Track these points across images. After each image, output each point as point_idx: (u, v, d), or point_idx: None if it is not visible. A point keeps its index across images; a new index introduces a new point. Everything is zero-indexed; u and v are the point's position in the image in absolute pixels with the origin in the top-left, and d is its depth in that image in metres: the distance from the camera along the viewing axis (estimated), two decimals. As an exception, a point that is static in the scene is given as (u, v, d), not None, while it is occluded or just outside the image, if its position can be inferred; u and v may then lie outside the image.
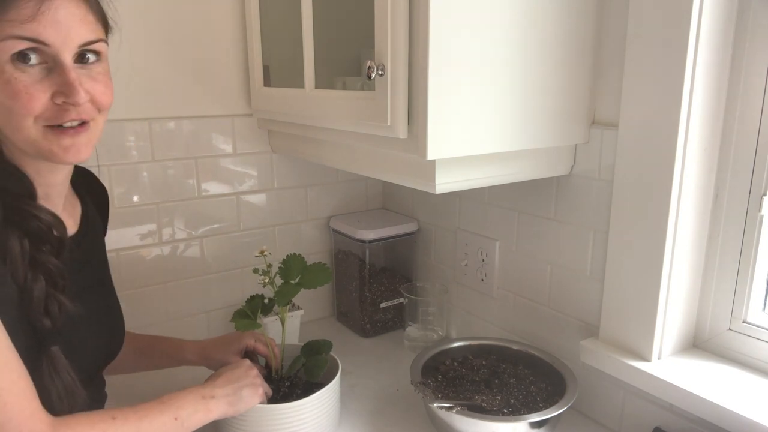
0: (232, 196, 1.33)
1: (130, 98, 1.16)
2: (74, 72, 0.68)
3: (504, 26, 0.84)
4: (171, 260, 1.28)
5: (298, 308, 1.34)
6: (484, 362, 1.11)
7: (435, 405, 0.93)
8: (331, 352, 1.05)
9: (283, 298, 0.98)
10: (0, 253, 0.67)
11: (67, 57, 0.68)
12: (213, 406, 0.84)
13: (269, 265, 1.00)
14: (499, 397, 1.00)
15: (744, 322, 0.92)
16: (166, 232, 1.26)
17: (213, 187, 1.30)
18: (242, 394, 0.88)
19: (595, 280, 1.01)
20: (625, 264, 0.94)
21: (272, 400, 0.95)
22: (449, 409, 0.91)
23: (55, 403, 0.70)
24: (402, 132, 0.84)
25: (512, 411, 0.97)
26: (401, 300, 1.40)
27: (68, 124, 0.70)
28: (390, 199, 1.54)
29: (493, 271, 1.22)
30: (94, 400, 0.87)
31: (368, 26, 0.84)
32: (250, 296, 1.02)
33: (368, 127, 0.91)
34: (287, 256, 1.01)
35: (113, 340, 0.90)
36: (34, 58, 0.66)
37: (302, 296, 1.05)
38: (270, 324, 1.24)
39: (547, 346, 1.11)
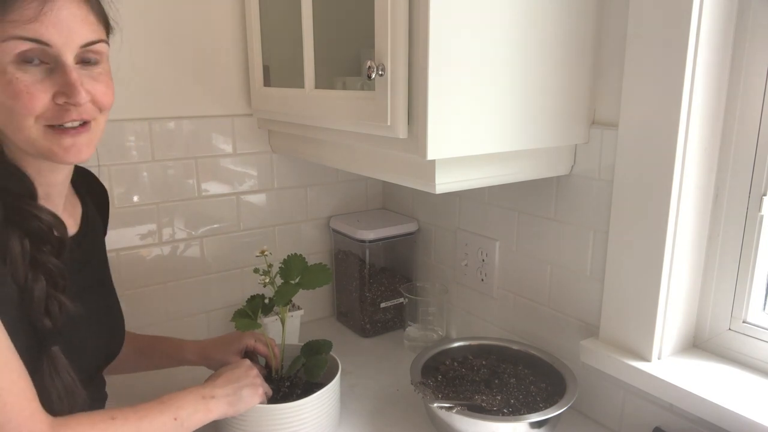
0: (232, 196, 1.33)
1: (130, 98, 1.16)
2: (75, 72, 0.68)
3: (504, 26, 0.84)
4: (171, 260, 1.28)
5: (298, 308, 1.34)
6: (484, 362, 1.11)
7: (435, 405, 0.93)
8: (331, 352, 1.05)
9: (283, 298, 0.98)
10: (0, 253, 0.67)
11: (69, 57, 0.68)
12: (213, 406, 0.84)
13: (270, 265, 1.00)
14: (499, 397, 1.00)
15: (744, 322, 0.92)
16: (166, 232, 1.26)
17: (213, 187, 1.30)
18: (242, 394, 0.88)
19: (595, 280, 1.01)
20: (625, 264, 0.94)
21: (272, 400, 0.95)
22: (449, 409, 0.91)
23: (55, 403, 0.70)
24: (402, 132, 0.84)
25: (512, 411, 0.97)
26: (401, 300, 1.40)
27: (69, 124, 0.70)
28: (390, 199, 1.54)
29: (493, 271, 1.22)
30: (95, 400, 0.87)
31: (368, 26, 0.84)
32: (251, 296, 1.02)
33: (368, 127, 0.91)
34: (288, 256, 1.01)
35: (113, 340, 0.90)
36: (35, 59, 0.66)
37: (302, 296, 1.05)
38: (270, 324, 1.24)
39: (547, 346, 1.11)
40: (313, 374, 1.01)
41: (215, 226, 1.32)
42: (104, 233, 0.95)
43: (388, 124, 0.85)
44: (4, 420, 0.63)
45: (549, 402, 0.97)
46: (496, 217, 1.20)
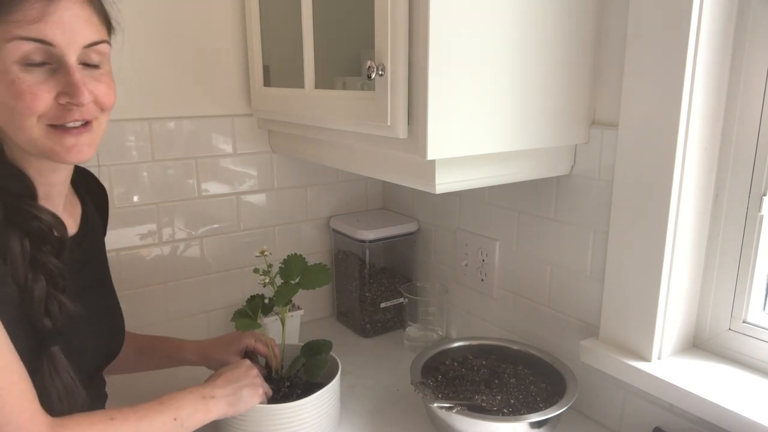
0: (232, 196, 1.33)
1: (130, 98, 1.16)
2: (79, 73, 0.68)
3: (504, 26, 0.84)
4: (171, 260, 1.28)
5: (298, 308, 1.34)
6: (484, 362, 1.11)
7: (435, 405, 0.93)
8: (331, 352, 1.05)
9: (283, 298, 0.98)
10: (1, 253, 0.67)
11: (72, 58, 0.68)
12: (213, 406, 0.84)
13: (270, 265, 1.00)
14: (499, 397, 1.00)
15: (744, 322, 0.92)
16: (166, 232, 1.26)
17: (213, 187, 1.30)
18: (242, 394, 0.88)
19: (595, 280, 1.01)
20: (625, 264, 0.94)
21: (272, 400, 0.95)
22: (449, 409, 0.91)
23: (54, 403, 0.70)
24: (402, 132, 0.84)
25: (512, 411, 0.97)
26: (401, 300, 1.40)
27: (71, 124, 0.70)
28: (390, 199, 1.54)
29: (493, 271, 1.22)
30: (95, 400, 0.87)
31: (368, 26, 0.84)
32: (251, 296, 1.02)
33: (368, 127, 0.91)
34: (288, 256, 1.01)
35: (113, 340, 0.90)
36: (39, 59, 0.66)
37: (302, 296, 1.05)
38: (270, 324, 1.24)
39: (547, 346, 1.11)
40: (313, 374, 1.01)
41: (215, 226, 1.32)
42: (104, 233, 0.95)
43: (388, 124, 0.85)
44: (4, 421, 0.63)
45: (549, 402, 0.97)
46: (496, 217, 1.20)
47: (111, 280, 0.93)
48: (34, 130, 0.68)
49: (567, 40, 0.91)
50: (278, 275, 1.00)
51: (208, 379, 0.91)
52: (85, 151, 0.72)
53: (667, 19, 0.83)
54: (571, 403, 0.93)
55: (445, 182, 0.88)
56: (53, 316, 0.71)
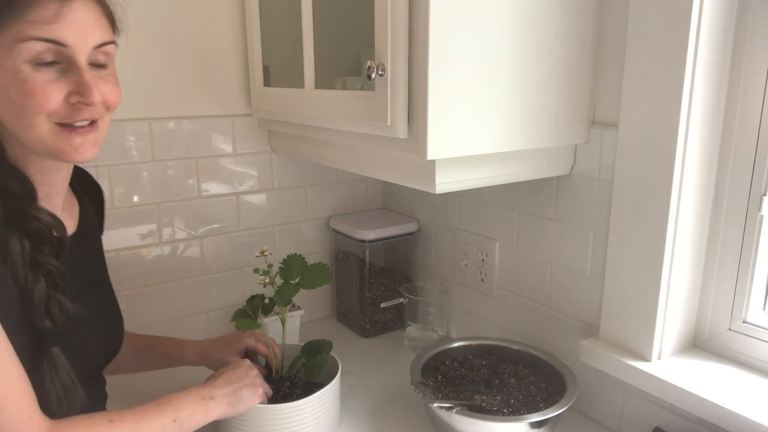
0: (232, 196, 1.33)
1: (130, 98, 1.15)
2: (89, 73, 0.69)
3: (504, 26, 0.84)
4: (171, 260, 1.28)
5: (299, 308, 1.34)
6: (484, 362, 1.11)
7: (435, 405, 0.93)
8: (331, 352, 1.05)
9: (284, 298, 0.98)
10: (1, 254, 0.67)
11: (82, 58, 0.69)
12: (212, 406, 0.84)
13: (270, 265, 1.00)
14: (499, 397, 1.00)
15: (744, 322, 0.92)
16: (166, 232, 1.26)
17: (213, 187, 1.30)
18: (242, 394, 0.88)
19: (595, 280, 1.01)
20: (625, 264, 0.94)
21: (272, 400, 0.95)
22: (449, 409, 0.91)
23: (53, 405, 0.70)
24: (402, 132, 0.84)
25: (512, 411, 0.97)
26: (401, 300, 1.40)
27: (79, 123, 0.71)
28: (390, 199, 1.54)
29: (493, 271, 1.22)
30: (95, 400, 0.87)
31: (368, 26, 0.84)
32: (251, 296, 1.02)
33: (368, 127, 0.91)
34: (288, 256, 1.01)
35: (113, 340, 0.90)
36: (50, 59, 0.67)
37: (302, 296, 1.05)
38: (270, 324, 1.24)
39: (547, 346, 1.11)
40: (313, 374, 1.01)
41: (215, 226, 1.32)
42: (101, 232, 0.95)
43: (388, 124, 0.85)
44: (3, 424, 0.63)
45: (549, 402, 0.97)
46: (496, 217, 1.20)
47: (109, 279, 0.93)
48: (42, 128, 0.69)
49: (567, 40, 0.91)
50: (278, 275, 1.00)
51: (208, 380, 0.91)
52: (90, 150, 0.72)
53: (667, 19, 0.83)
54: (571, 403, 0.93)
55: (445, 182, 0.88)
56: (53, 317, 0.71)
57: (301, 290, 0.99)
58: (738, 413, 0.80)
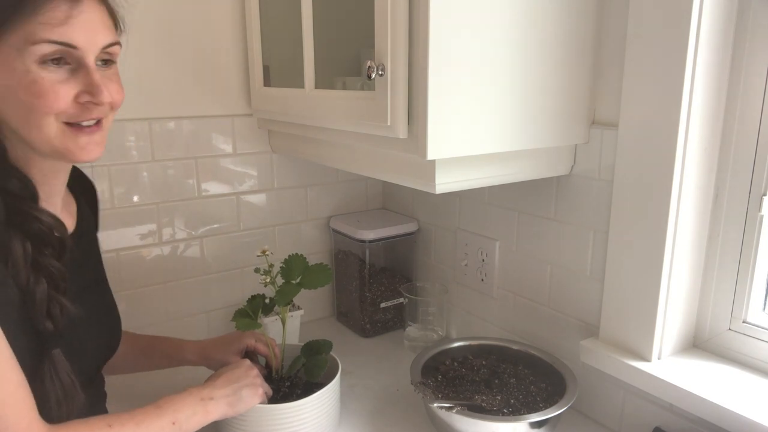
0: (232, 196, 1.33)
1: (130, 98, 1.14)
2: (98, 73, 0.70)
3: (504, 26, 0.84)
4: (171, 260, 1.28)
5: (299, 308, 1.34)
6: (484, 362, 1.11)
7: (435, 405, 0.93)
8: (331, 352, 1.05)
9: (285, 297, 0.98)
10: (2, 256, 0.67)
11: (91, 59, 0.69)
12: (212, 407, 0.84)
13: (271, 265, 1.00)
14: (499, 397, 1.00)
15: (744, 322, 0.92)
16: (166, 232, 1.26)
17: (213, 187, 1.30)
18: (242, 394, 0.87)
19: (595, 280, 1.01)
20: (625, 264, 0.94)
21: (272, 400, 0.95)
22: (449, 409, 0.91)
23: (53, 408, 0.70)
24: (402, 132, 0.84)
25: (512, 411, 0.97)
26: (401, 300, 1.40)
27: (86, 123, 0.71)
28: (390, 199, 1.54)
29: (493, 271, 1.22)
30: (94, 400, 0.87)
31: (368, 26, 0.84)
32: (251, 296, 1.02)
33: (368, 127, 0.91)
34: (289, 256, 1.01)
35: (112, 340, 0.90)
36: (61, 60, 0.68)
37: (302, 296, 1.05)
38: (270, 324, 1.24)
39: (547, 346, 1.11)
40: (313, 374, 1.01)
41: (215, 226, 1.32)
42: (97, 230, 0.95)
43: (388, 124, 0.85)
44: (1, 429, 0.63)
45: (549, 402, 0.97)
46: (496, 217, 1.20)
47: (106, 278, 0.93)
48: (51, 128, 0.69)
49: (567, 40, 0.91)
50: (279, 275, 1.00)
51: (208, 380, 0.91)
52: (95, 150, 0.73)
53: (667, 19, 0.83)
54: (571, 403, 0.93)
55: (445, 182, 0.88)
56: (55, 319, 0.71)
57: (302, 290, 0.99)
58: (738, 413, 0.80)
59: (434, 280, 1.39)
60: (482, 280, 1.25)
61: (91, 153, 0.73)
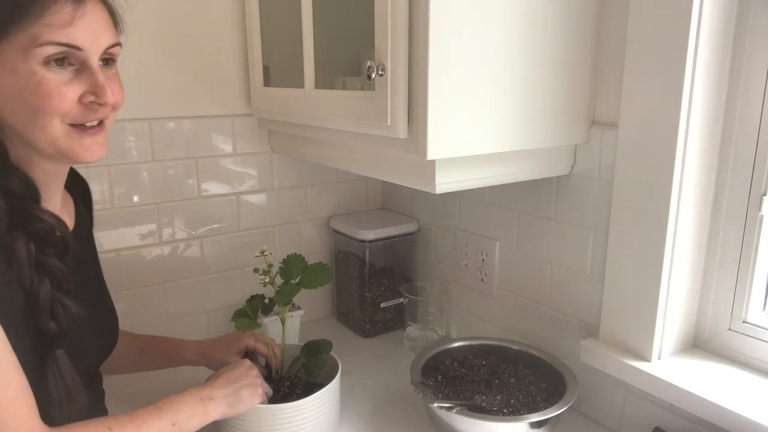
0: (232, 196, 1.33)
1: (130, 98, 1.14)
2: (102, 74, 0.70)
3: (504, 26, 0.84)
4: (171, 260, 1.28)
5: (298, 308, 1.34)
6: (484, 362, 1.11)
7: (435, 405, 0.93)
8: (331, 352, 1.05)
9: (284, 297, 0.98)
10: (6, 257, 0.67)
11: (95, 60, 0.70)
12: (212, 408, 0.84)
13: (270, 265, 1.00)
14: (499, 397, 1.00)
15: (744, 322, 0.92)
16: (166, 232, 1.26)
17: (213, 187, 1.30)
18: (242, 394, 0.87)
19: (595, 280, 1.01)
20: (625, 264, 0.94)
21: (272, 400, 0.95)
22: (449, 409, 0.91)
23: (56, 408, 0.70)
24: (402, 132, 0.84)
25: (512, 411, 0.97)
26: (401, 300, 1.40)
27: (89, 124, 0.71)
28: (390, 199, 1.54)
29: (493, 271, 1.22)
30: (95, 400, 0.87)
31: (368, 26, 0.84)
32: (251, 296, 1.02)
33: (368, 127, 0.91)
34: (288, 255, 1.01)
35: (111, 337, 0.90)
36: (66, 61, 0.68)
37: (302, 296, 1.05)
38: (270, 324, 1.24)
39: (547, 346, 1.11)
40: (313, 374, 1.01)
41: (215, 226, 1.32)
42: (91, 227, 0.95)
43: (388, 124, 0.85)
44: None
45: (549, 402, 0.97)
46: (496, 217, 1.20)
47: (103, 277, 0.93)
48: (56, 129, 0.69)
49: (567, 40, 0.91)
50: (278, 275, 1.00)
51: (208, 380, 0.91)
52: (98, 150, 0.73)
53: (667, 19, 0.83)
54: (571, 403, 0.93)
55: (445, 182, 0.88)
56: (58, 319, 0.71)
57: (301, 290, 0.99)
58: (738, 413, 0.80)
59: (434, 280, 1.39)
60: (482, 280, 1.25)
61: (94, 154, 0.73)
